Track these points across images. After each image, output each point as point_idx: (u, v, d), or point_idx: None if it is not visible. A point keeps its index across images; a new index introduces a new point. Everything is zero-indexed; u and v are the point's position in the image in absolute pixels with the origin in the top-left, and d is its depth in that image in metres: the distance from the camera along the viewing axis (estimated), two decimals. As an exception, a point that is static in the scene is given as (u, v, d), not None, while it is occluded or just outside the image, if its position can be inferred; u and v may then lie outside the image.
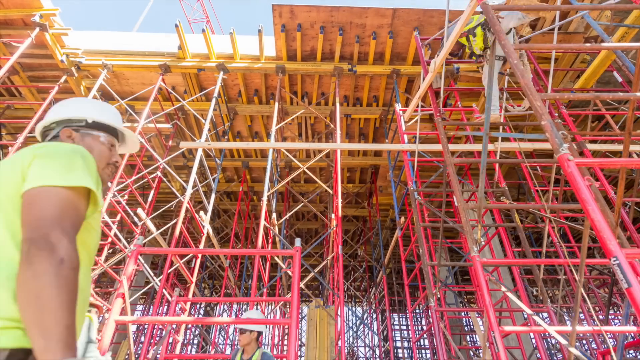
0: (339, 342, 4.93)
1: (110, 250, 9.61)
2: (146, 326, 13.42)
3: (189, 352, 13.13)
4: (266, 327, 4.92)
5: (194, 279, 5.76)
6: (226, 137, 8.19)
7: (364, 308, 15.31)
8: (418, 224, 4.92)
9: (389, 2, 6.47)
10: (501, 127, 4.27)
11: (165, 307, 13.31)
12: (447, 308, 7.75)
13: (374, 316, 15.96)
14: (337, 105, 6.75)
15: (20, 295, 0.69)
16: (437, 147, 5.57)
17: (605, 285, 9.74)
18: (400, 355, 15.92)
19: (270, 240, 7.02)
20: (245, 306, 14.39)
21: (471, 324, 15.22)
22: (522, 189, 9.09)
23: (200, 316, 15.23)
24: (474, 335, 15.70)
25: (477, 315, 7.56)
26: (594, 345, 10.60)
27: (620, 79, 6.09)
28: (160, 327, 9.34)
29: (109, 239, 6.97)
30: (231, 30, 6.80)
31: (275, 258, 6.44)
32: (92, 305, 1.21)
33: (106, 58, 7.02)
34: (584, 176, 1.63)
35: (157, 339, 9.51)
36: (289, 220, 11.55)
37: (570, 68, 6.66)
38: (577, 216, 7.19)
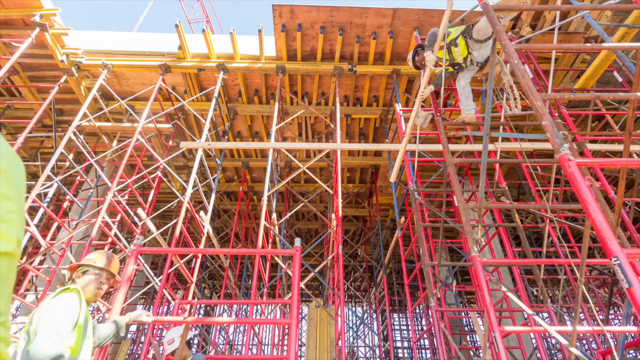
0: (339, 342, 4.93)
1: (111, 251, 9.61)
2: (146, 326, 13.42)
3: (189, 352, 13.08)
4: (195, 329, 4.87)
5: (194, 279, 5.75)
6: (226, 137, 8.19)
7: (364, 308, 15.31)
8: (418, 224, 4.92)
9: (389, 2, 6.48)
10: (501, 127, 4.27)
11: (166, 307, 13.31)
12: (447, 308, 7.75)
13: (374, 316, 15.97)
14: (337, 105, 6.75)
15: None
16: (438, 147, 5.57)
17: (605, 285, 9.74)
18: (401, 355, 15.92)
19: (270, 240, 7.02)
20: (245, 306, 14.37)
21: (471, 324, 15.23)
22: (522, 189, 9.09)
23: (200, 316, 15.23)
24: (474, 335, 15.70)
25: (477, 315, 7.55)
26: (594, 345, 10.60)
27: (620, 79, 6.09)
28: (161, 327, 9.33)
29: (109, 239, 6.98)
30: (231, 30, 6.79)
31: (276, 258, 6.44)
32: None
33: (106, 58, 7.02)
34: (585, 176, 1.63)
35: (158, 339, 9.51)
36: (289, 220, 11.55)
37: (571, 68, 6.67)
38: (577, 216, 7.19)
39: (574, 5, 3.51)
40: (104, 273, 2.18)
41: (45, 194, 7.21)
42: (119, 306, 2.49)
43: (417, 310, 15.76)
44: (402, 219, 6.71)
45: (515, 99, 2.83)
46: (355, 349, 15.68)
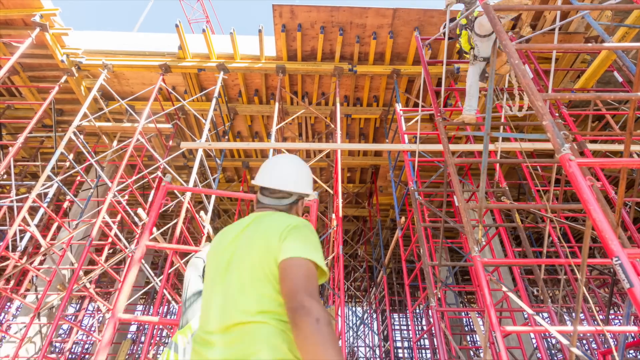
0: (340, 342, 4.93)
1: (111, 251, 9.62)
2: (146, 326, 13.43)
3: (189, 352, 13.09)
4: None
5: (194, 279, 5.74)
6: (226, 137, 8.19)
7: (364, 308, 15.31)
8: (418, 224, 4.92)
9: (389, 2, 6.48)
10: (502, 127, 4.27)
11: (166, 307, 13.32)
12: (448, 308, 7.75)
13: (374, 316, 15.96)
14: (338, 105, 6.74)
15: (303, 352, 0.91)
16: (438, 147, 5.57)
17: (605, 285, 9.75)
18: (401, 355, 15.91)
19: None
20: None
21: (471, 323, 15.23)
22: (523, 189, 9.08)
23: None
24: (474, 335, 15.70)
25: (477, 315, 7.55)
26: (594, 345, 10.60)
27: (620, 79, 6.09)
28: (161, 327, 9.32)
29: (109, 239, 6.98)
30: (231, 30, 6.79)
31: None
32: None
33: (106, 58, 7.02)
34: (586, 176, 1.63)
35: (158, 339, 9.51)
36: (289, 220, 11.52)
37: (571, 68, 6.66)
38: (578, 216, 7.19)
39: (574, 5, 3.51)
40: None
41: (46, 194, 7.21)
42: (129, 285, 2.52)
43: (418, 310, 15.74)
44: (403, 219, 6.71)
45: (521, 99, 2.82)
46: (355, 349, 15.67)
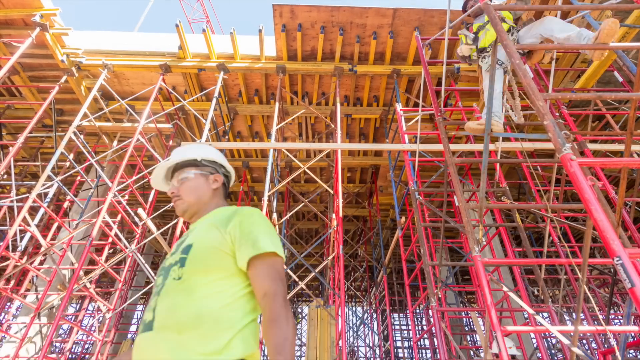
0: (340, 342, 4.92)
1: (111, 251, 9.62)
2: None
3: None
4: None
5: (194, 279, 5.73)
6: (226, 137, 8.18)
7: (365, 308, 15.31)
8: (419, 224, 4.92)
9: (389, 2, 6.47)
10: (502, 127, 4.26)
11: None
12: (448, 308, 7.75)
13: (375, 316, 15.96)
14: (338, 105, 6.74)
15: (272, 347, 0.97)
16: (438, 147, 5.58)
17: (606, 285, 9.75)
18: (401, 355, 15.91)
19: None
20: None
21: (472, 323, 15.23)
22: (523, 188, 9.08)
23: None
24: (474, 335, 15.69)
25: (477, 315, 7.55)
26: (594, 345, 10.60)
27: (620, 79, 6.09)
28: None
29: (110, 239, 6.98)
30: (231, 30, 6.79)
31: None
32: None
33: (106, 58, 7.02)
34: (587, 176, 1.63)
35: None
36: (290, 220, 11.55)
37: (571, 68, 6.66)
38: (578, 216, 7.18)
39: (575, 5, 3.51)
40: None
41: (46, 194, 7.21)
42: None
43: (418, 310, 15.75)
44: (403, 218, 6.71)
45: (522, 99, 2.78)
46: (355, 348, 15.68)
